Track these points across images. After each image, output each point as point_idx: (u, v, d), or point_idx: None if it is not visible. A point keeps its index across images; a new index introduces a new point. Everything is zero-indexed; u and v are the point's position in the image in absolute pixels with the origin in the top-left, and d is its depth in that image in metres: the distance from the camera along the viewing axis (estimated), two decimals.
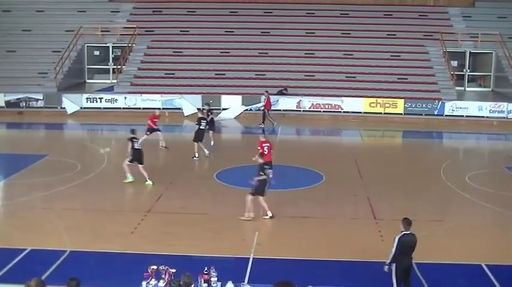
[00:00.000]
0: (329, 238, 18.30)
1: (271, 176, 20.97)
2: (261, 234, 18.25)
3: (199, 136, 27.65)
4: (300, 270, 15.72)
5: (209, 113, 30.14)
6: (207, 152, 27.89)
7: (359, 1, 47.45)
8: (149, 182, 22.95)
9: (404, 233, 13.79)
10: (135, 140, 23.30)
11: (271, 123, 35.91)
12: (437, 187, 24.30)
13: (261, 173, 19.78)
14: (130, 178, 23.20)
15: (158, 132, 29.35)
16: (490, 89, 45.18)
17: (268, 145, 23.06)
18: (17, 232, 18.59)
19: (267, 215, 19.84)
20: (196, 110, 33.31)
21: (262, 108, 36.36)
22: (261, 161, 20.19)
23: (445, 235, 18.89)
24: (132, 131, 23.70)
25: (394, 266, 13.81)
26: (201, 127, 27.69)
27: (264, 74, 41.37)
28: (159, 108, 35.63)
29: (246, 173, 25.30)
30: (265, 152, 22.22)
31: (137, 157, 23.16)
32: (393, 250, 13.71)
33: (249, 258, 16.39)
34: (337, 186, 23.70)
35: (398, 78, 41.16)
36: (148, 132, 28.96)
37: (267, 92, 36.71)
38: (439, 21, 46.32)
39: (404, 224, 13.91)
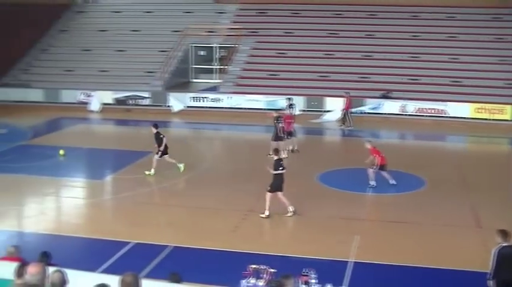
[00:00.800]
0: (429, 245, 17.97)
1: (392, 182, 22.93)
2: (361, 238, 18.12)
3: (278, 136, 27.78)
4: (399, 276, 15.58)
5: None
6: (290, 148, 28.36)
7: (466, 3, 46.31)
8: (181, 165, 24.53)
9: (504, 246, 13.10)
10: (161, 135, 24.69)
11: (348, 124, 35.80)
12: None
13: (280, 168, 19.81)
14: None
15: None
16: None
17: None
18: (122, 226, 19.19)
19: (289, 210, 19.87)
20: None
21: (343, 109, 36.07)
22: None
23: None
24: (155, 126, 24.85)
25: (493, 281, 13.23)
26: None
27: (368, 77, 41.02)
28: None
29: (348, 175, 25.38)
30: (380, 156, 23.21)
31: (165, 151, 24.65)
32: (491, 263, 13.12)
33: (349, 261, 16.33)
34: (440, 192, 23.23)
35: (506, 84, 39.97)
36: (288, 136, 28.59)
37: (347, 93, 36.44)
38: None
39: (502, 236, 13.22)
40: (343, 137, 36.08)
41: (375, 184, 22.89)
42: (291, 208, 19.89)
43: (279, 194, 19.84)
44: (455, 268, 16.32)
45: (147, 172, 24.31)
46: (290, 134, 28.59)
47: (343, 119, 35.84)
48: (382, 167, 23.20)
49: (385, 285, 15.42)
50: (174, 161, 24.63)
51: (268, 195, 19.70)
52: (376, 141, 30.80)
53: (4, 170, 25.15)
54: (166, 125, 37.08)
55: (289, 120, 28.75)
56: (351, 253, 16.90)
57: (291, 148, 28.61)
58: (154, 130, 24.76)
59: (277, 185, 19.75)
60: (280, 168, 19.82)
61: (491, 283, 13.25)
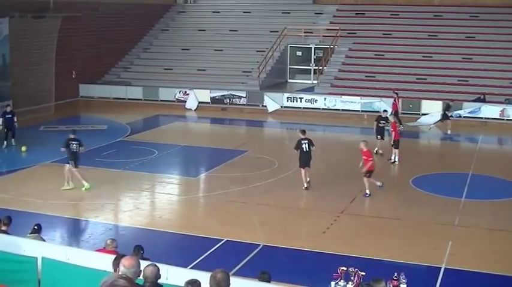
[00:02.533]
0: None
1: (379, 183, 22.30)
2: (454, 244, 17.79)
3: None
4: (492, 285, 15.22)
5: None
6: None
7: None
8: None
9: None
10: None
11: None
12: None
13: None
14: None
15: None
16: None
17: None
18: (214, 223, 19.48)
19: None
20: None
21: (392, 110, 35.28)
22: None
23: None
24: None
25: None
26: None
27: (467, 80, 40.10)
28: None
29: (443, 180, 24.95)
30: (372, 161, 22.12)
31: None
32: None
33: (441, 268, 16.06)
34: None
35: None
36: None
37: (396, 94, 35.78)
38: None
39: None
40: (439, 140, 35.44)
41: (381, 184, 22.51)
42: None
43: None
44: None
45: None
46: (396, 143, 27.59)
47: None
48: (369, 173, 22.11)
49: None
50: None
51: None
52: (474, 146, 30.24)
53: (103, 165, 25.94)
54: (261, 125, 37.48)
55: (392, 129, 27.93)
56: (443, 259, 16.62)
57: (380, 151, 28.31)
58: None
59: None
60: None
61: None
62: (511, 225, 19.85)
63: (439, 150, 33.71)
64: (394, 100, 35.56)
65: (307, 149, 22.79)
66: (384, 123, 28.26)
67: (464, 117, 36.79)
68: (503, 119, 37.20)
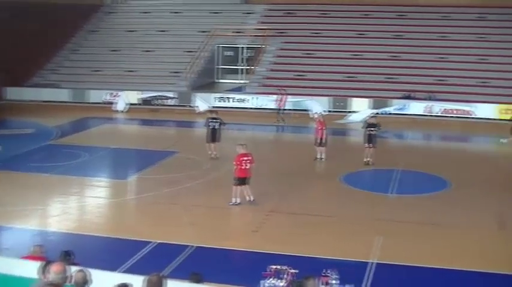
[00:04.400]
0: (453, 246, 17.79)
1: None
2: (384, 239, 18.00)
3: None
4: (422, 278, 15.45)
5: None
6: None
7: (496, 4, 45.84)
8: None
9: None
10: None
11: (281, 121, 36.18)
12: None
13: None
14: None
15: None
16: None
17: (249, 158, 21.04)
18: (145, 226, 19.25)
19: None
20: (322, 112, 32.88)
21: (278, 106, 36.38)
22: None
23: None
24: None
25: None
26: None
27: (395, 78, 40.80)
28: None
29: (373, 176, 25.28)
30: (244, 167, 20.85)
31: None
32: None
33: (371, 263, 16.23)
34: (464, 193, 23.01)
35: None
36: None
37: (284, 90, 36.41)
38: None
39: None
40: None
41: (237, 201, 20.91)
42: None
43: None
44: (479, 270, 16.17)
45: None
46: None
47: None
48: (241, 180, 20.91)
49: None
50: None
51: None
52: (401, 142, 30.76)
53: (30, 169, 25.37)
54: (191, 125, 37.32)
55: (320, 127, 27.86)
56: (373, 254, 16.79)
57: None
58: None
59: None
60: None
61: None
62: (440, 218, 20.22)
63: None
64: (281, 96, 36.08)
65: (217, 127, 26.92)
66: (374, 130, 26.84)
67: (391, 114, 37.37)
68: (429, 115, 37.98)
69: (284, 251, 16.43)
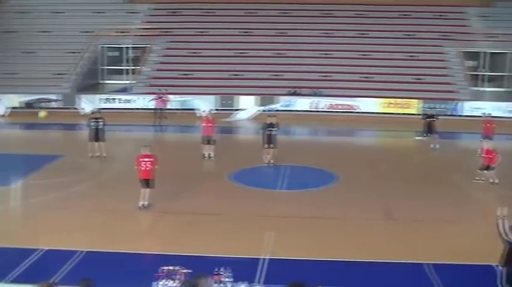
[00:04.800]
0: (343, 239, 18.25)
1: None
2: (275, 235, 18.21)
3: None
4: (314, 271, 15.70)
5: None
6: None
7: (376, 1, 47.22)
8: None
9: None
10: None
11: (158, 121, 36.27)
12: (451, 187, 24.19)
13: None
14: None
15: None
16: (507, 89, 44.91)
17: (150, 159, 20.69)
18: (33, 232, 18.66)
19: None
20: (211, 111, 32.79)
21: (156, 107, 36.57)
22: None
23: (457, 235, 18.82)
24: None
25: (504, 271, 13.76)
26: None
27: (280, 75, 41.35)
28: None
29: (262, 173, 25.49)
30: (143, 168, 20.54)
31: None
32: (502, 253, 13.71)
33: (263, 258, 16.37)
34: (352, 186, 23.64)
35: (415, 79, 41.01)
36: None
37: (165, 89, 36.84)
38: (456, 21, 46.17)
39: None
40: (255, 135, 36.22)
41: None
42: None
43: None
44: (368, 260, 16.62)
45: None
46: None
47: (157, 118, 36.19)
48: (141, 182, 20.61)
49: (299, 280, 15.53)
50: None
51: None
52: (289, 138, 31.14)
53: None
54: (76, 128, 36.48)
55: (209, 125, 28.02)
56: (265, 249, 16.95)
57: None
58: None
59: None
60: None
61: (500, 269, 13.85)
62: (325, 212, 20.67)
63: (254, 144, 34.36)
64: (159, 97, 35.97)
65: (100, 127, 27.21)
66: (274, 130, 27.02)
67: (278, 111, 37.82)
68: (315, 111, 38.69)
69: (176, 252, 16.36)
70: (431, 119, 30.86)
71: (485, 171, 24.05)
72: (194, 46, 44.23)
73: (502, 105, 38.79)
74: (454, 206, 22.03)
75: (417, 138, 31.92)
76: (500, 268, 13.87)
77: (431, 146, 30.45)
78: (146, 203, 20.43)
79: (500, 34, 43.83)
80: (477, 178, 24.22)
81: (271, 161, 26.34)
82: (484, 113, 32.08)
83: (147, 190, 20.47)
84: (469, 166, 27.51)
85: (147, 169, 20.50)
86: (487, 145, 24.71)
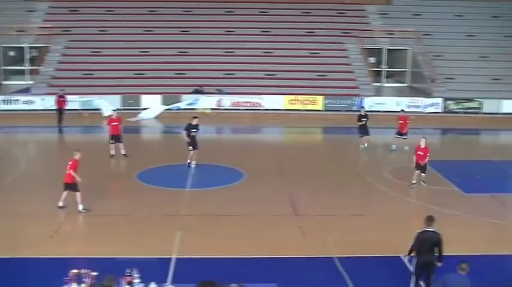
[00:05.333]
0: (252, 236, 18.32)
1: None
2: (183, 234, 18.12)
3: None
4: (224, 268, 15.69)
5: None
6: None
7: None
8: None
9: (424, 230, 13.96)
10: None
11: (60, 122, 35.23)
12: (357, 181, 24.70)
13: None
14: None
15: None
16: (406, 85, 46.19)
17: (69, 163, 20.21)
18: None
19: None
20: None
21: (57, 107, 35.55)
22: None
23: (365, 228, 19.19)
24: None
25: (415, 261, 14.06)
26: None
27: (184, 73, 41.17)
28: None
29: (168, 172, 25.30)
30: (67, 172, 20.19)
31: None
32: (410, 244, 14.01)
33: (172, 258, 16.27)
34: (259, 183, 23.76)
35: (318, 75, 41.59)
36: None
37: (61, 90, 36.16)
38: (357, 19, 47.10)
39: (425, 221, 14.08)
40: (159, 133, 36.08)
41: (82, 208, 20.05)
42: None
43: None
44: (276, 256, 16.73)
45: None
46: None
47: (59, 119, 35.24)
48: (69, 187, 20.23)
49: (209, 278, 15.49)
50: None
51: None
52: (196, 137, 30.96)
53: None
54: None
55: (115, 123, 27.66)
56: (174, 249, 16.85)
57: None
58: None
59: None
60: None
61: (407, 260, 14.34)
62: (233, 210, 20.73)
63: (160, 143, 34.19)
64: (60, 97, 35.26)
65: None
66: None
67: (183, 109, 37.71)
68: (220, 109, 38.71)
69: (84, 254, 16.08)
70: (363, 119, 30.09)
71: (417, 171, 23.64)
72: (95, 45, 43.44)
73: (402, 101, 39.66)
74: (361, 200, 22.52)
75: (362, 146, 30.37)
76: (407, 258, 14.21)
77: (361, 146, 30.00)
78: (80, 207, 19.94)
79: (399, 31, 45.01)
80: (414, 182, 23.76)
81: (194, 163, 25.73)
82: (402, 110, 32.00)
83: (77, 193, 19.97)
84: (376, 159, 28.26)
85: (67, 172, 20.04)
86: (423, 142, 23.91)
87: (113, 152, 27.20)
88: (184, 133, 25.83)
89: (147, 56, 42.55)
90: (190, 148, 25.68)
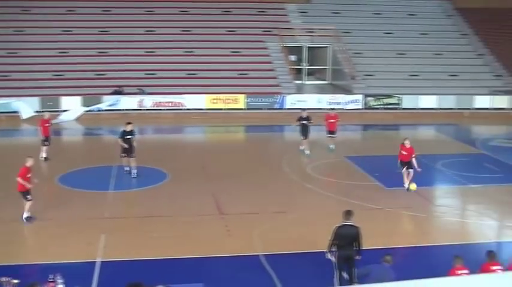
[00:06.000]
0: (177, 236, 18.25)
1: None
2: (107, 237, 17.88)
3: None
4: (150, 270, 15.57)
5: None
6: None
7: None
8: None
9: (343, 224, 14.16)
10: None
11: None
12: (280, 179, 24.84)
13: None
14: None
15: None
16: (327, 82, 46.80)
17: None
18: None
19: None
20: (34, 113, 31.62)
21: None
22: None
23: (289, 225, 19.33)
24: None
25: (335, 255, 14.17)
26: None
27: (104, 74, 40.62)
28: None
29: (90, 175, 24.91)
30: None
31: None
32: (330, 238, 14.13)
33: (97, 262, 16.03)
34: (183, 183, 23.68)
35: (239, 74, 41.69)
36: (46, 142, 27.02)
37: None
38: (277, 17, 47.49)
39: (343, 215, 14.31)
40: (81, 136, 35.52)
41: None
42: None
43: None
44: (202, 255, 16.69)
45: None
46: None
47: None
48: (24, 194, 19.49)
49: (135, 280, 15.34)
50: None
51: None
52: (116, 138, 30.63)
53: None
54: None
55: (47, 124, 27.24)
56: (98, 253, 16.60)
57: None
58: None
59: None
60: None
61: (329, 256, 14.26)
62: (158, 211, 20.60)
63: (82, 145, 33.69)
64: None
65: None
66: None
67: (104, 110, 37.25)
68: (142, 109, 38.37)
69: (4, 262, 15.68)
70: (305, 122, 28.58)
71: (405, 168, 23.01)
72: (11, 46, 42.39)
73: (323, 98, 40.15)
74: (285, 197, 22.63)
75: (302, 149, 29.39)
76: (329, 254, 14.34)
77: (300, 147, 28.96)
78: (25, 214, 19.26)
79: (319, 29, 45.53)
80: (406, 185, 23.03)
81: (134, 172, 24.55)
82: (333, 109, 31.89)
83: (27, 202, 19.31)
84: (299, 156, 28.48)
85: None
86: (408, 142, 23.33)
87: (44, 154, 26.64)
88: (119, 140, 24.71)
89: (66, 56, 41.82)
90: (124, 155, 24.53)
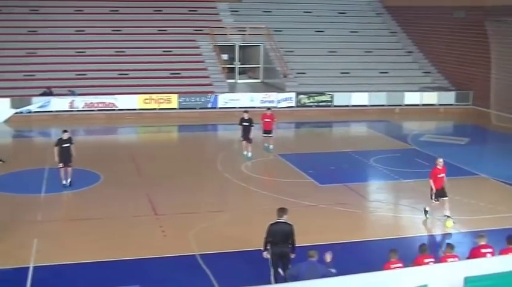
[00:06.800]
0: (112, 238, 18.05)
1: None
2: (40, 240, 17.53)
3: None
4: (86, 273, 15.39)
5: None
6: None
7: None
8: None
9: (276, 221, 14.24)
10: None
11: None
12: (215, 178, 24.81)
13: None
14: None
15: None
16: (259, 80, 46.94)
17: None
18: None
19: None
20: None
21: None
22: None
23: (225, 224, 19.34)
24: None
25: (270, 252, 14.22)
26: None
27: (34, 75, 39.79)
28: None
29: (20, 178, 24.36)
30: None
31: None
32: (264, 236, 14.23)
33: (30, 267, 15.70)
34: (116, 185, 23.40)
35: (171, 74, 41.45)
36: None
37: None
38: (209, 16, 47.36)
39: (277, 212, 14.37)
40: (11, 138, 34.79)
41: None
42: None
43: None
44: (138, 257, 16.55)
45: None
46: None
47: None
48: None
49: (69, 285, 15.11)
50: None
51: None
52: (48, 140, 30.20)
53: None
54: None
55: None
56: (30, 257, 16.25)
57: None
58: None
59: None
60: None
61: (265, 254, 14.32)
62: (92, 213, 20.32)
63: (11, 148, 32.91)
64: None
65: None
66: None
67: (34, 112, 36.55)
68: (73, 111, 37.74)
69: None
70: (246, 124, 27.48)
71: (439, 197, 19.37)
72: None
73: (256, 96, 40.24)
74: (221, 196, 22.65)
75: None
76: (265, 253, 14.38)
77: (245, 153, 27.84)
78: None
79: (251, 28, 45.63)
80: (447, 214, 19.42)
81: (69, 181, 23.25)
82: (269, 108, 30.69)
83: None
84: (233, 155, 28.49)
85: None
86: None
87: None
88: (55, 149, 23.22)
89: None
90: (61, 165, 23.05)
